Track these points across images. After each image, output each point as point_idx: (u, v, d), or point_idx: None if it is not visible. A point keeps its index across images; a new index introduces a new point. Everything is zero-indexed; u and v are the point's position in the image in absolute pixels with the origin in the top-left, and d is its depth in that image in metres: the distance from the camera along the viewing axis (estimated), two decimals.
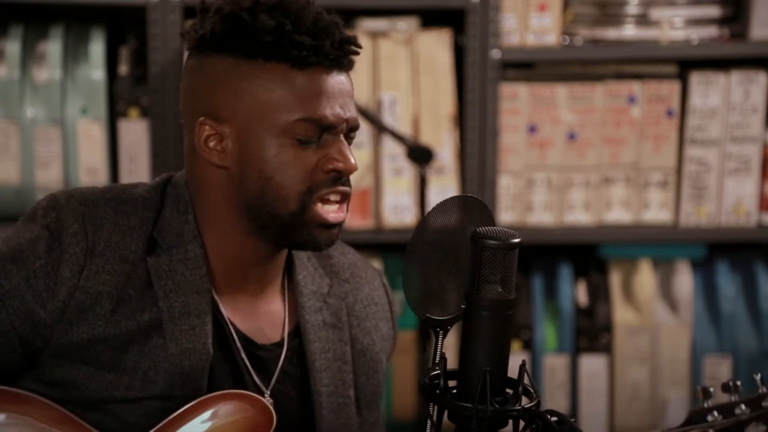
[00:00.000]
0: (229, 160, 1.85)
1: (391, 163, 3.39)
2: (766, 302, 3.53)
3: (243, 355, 1.91)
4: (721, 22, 3.47)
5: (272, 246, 1.90)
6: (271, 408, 1.84)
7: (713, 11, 3.46)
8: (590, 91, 3.45)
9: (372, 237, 3.39)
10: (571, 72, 3.51)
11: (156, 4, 3.29)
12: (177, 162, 3.20)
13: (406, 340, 3.29)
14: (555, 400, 3.49)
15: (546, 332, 3.52)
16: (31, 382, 1.87)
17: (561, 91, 3.45)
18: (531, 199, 3.48)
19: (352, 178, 1.88)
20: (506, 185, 3.46)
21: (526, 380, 1.62)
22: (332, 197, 1.86)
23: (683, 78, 3.49)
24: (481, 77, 3.39)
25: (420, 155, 3.15)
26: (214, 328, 1.88)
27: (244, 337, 1.91)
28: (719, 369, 3.51)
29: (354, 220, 3.37)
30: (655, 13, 3.44)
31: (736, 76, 3.47)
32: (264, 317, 1.94)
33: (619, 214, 3.50)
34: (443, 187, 3.37)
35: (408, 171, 3.38)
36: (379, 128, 3.27)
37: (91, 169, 3.33)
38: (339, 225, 1.87)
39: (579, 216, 3.49)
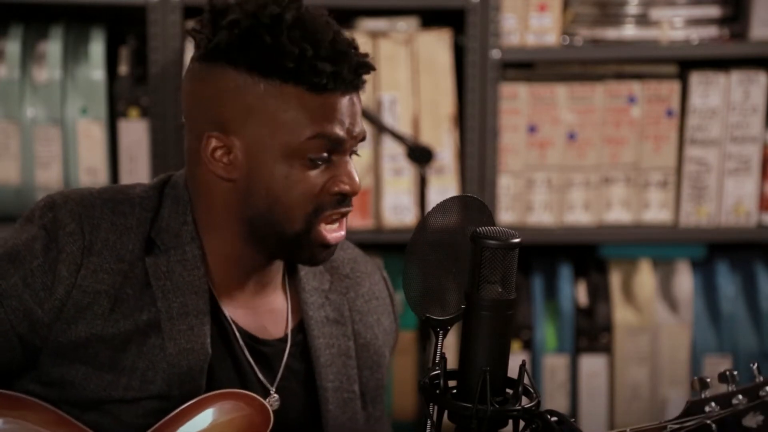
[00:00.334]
0: (236, 173, 1.84)
1: (391, 163, 3.39)
2: (766, 302, 3.53)
3: (246, 352, 1.90)
4: (721, 22, 3.47)
5: (269, 255, 1.91)
6: (269, 406, 1.84)
7: (713, 11, 3.46)
8: (590, 91, 3.45)
9: (372, 237, 3.38)
10: (571, 72, 3.51)
11: (156, 4, 3.29)
12: (177, 162, 3.20)
13: (406, 340, 3.28)
14: (555, 400, 3.49)
15: (546, 332, 3.52)
16: (29, 383, 1.87)
17: (561, 91, 3.45)
18: (531, 199, 3.48)
19: None
20: (506, 185, 3.46)
21: (526, 380, 1.62)
22: (335, 217, 1.86)
23: (683, 78, 3.49)
24: (481, 77, 3.38)
25: (420, 155, 3.15)
26: (216, 327, 1.88)
27: (246, 334, 1.91)
28: (719, 369, 3.46)
29: (354, 220, 3.36)
30: (655, 13, 3.44)
31: (736, 76, 3.47)
32: (266, 315, 1.94)
33: (619, 214, 3.50)
34: (443, 187, 3.37)
35: (408, 171, 3.38)
36: (379, 128, 3.27)
37: (91, 169, 3.32)
38: (338, 243, 1.88)
39: (579, 216, 3.49)
